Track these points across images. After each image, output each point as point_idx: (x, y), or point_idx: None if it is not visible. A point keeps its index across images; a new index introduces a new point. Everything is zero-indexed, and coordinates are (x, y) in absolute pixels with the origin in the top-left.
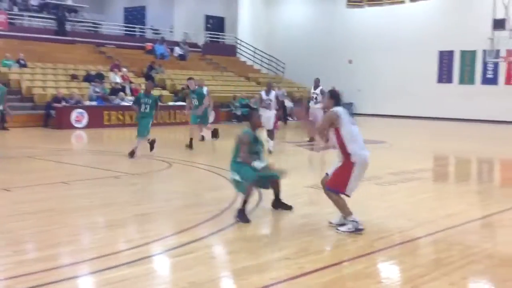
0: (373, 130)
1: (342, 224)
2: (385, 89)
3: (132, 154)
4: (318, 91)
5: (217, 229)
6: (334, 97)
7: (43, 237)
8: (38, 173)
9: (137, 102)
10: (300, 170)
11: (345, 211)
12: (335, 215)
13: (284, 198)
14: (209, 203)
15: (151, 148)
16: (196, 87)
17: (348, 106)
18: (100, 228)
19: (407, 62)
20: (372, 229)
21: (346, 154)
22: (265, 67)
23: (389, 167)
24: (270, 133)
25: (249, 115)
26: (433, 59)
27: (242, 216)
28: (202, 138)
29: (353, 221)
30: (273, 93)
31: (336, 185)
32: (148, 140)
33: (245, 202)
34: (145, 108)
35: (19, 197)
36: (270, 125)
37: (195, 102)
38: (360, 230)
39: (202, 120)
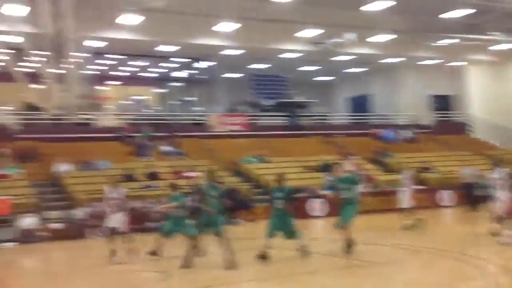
0: None
1: None
2: None
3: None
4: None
5: None
6: None
7: None
8: (289, 263)
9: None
10: None
11: None
12: None
13: None
14: None
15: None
16: (345, 173)
17: None
18: None
19: None
20: None
21: None
22: (503, 142)
23: None
24: None
25: None
26: None
27: None
28: (412, 226)
29: None
30: None
31: None
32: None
33: None
34: (277, 204)
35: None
36: None
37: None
38: None
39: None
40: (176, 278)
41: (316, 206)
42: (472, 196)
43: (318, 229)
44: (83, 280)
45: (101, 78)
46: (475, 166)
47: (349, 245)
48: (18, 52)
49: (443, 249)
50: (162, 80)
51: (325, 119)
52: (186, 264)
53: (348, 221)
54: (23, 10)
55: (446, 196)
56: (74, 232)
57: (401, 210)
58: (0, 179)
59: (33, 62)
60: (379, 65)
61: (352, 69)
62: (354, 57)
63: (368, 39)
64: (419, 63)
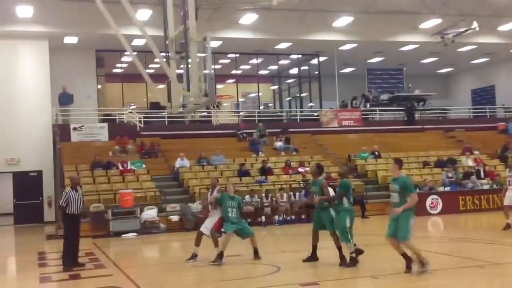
0: None
1: None
2: None
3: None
4: None
5: None
6: None
7: None
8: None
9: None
10: None
11: None
12: None
13: None
14: None
15: None
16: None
17: None
18: None
19: None
20: None
21: None
22: None
23: None
24: None
25: None
26: None
27: None
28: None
29: None
30: None
31: None
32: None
33: None
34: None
35: (385, 285)
36: None
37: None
38: None
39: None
40: (285, 272)
41: (434, 203)
42: None
43: (433, 227)
44: (193, 271)
45: (217, 76)
46: None
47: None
48: (144, 54)
49: None
50: (276, 76)
51: (445, 113)
52: (310, 258)
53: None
54: (147, 14)
55: None
56: (190, 224)
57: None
58: (125, 173)
59: (158, 63)
60: (504, 54)
61: (475, 60)
62: (476, 47)
63: (494, 28)
64: None
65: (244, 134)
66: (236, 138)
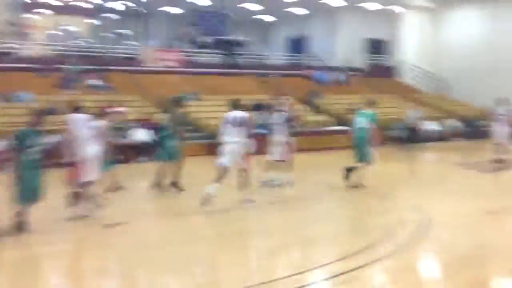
0: None
1: None
2: None
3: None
4: None
5: (379, 256)
6: None
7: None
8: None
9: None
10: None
11: None
12: None
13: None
14: (372, 228)
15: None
16: None
17: None
18: (263, 253)
19: None
20: None
21: None
22: (430, 88)
23: None
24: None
25: None
26: None
27: None
28: None
29: None
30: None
31: None
32: None
33: None
34: None
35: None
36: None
37: None
38: None
39: None
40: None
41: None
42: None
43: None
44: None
45: (31, 5)
46: (403, 110)
47: None
48: None
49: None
50: (97, 11)
51: (261, 59)
52: None
53: None
54: None
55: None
56: None
57: None
58: None
59: None
60: (320, 6)
61: (293, 8)
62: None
63: None
64: (358, 5)
65: (54, 70)
66: (44, 73)
